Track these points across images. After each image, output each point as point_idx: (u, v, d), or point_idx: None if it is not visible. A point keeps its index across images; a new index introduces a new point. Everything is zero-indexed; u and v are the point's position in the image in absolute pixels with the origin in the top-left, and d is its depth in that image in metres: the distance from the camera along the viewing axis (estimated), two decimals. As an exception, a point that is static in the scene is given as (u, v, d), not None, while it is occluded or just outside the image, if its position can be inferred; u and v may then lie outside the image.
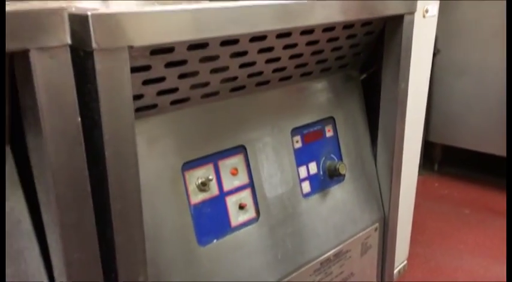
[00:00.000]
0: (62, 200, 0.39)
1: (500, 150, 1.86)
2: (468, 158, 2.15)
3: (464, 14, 1.90)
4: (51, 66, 0.37)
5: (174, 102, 0.53)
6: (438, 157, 2.20)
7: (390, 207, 0.78)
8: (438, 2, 1.41)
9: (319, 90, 0.71)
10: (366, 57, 0.75)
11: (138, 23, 0.41)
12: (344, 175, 0.72)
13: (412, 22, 0.73)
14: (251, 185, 0.61)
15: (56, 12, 0.36)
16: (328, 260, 0.70)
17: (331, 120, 0.72)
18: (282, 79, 0.64)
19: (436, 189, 2.16)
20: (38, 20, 0.36)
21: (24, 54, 0.36)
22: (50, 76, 0.37)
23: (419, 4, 1.39)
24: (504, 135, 1.87)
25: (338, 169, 0.70)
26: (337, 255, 0.71)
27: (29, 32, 0.35)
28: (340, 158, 0.73)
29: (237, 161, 0.60)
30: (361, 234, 0.75)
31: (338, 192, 0.72)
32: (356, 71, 0.76)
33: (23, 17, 0.35)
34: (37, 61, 0.36)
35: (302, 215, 0.67)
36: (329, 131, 0.72)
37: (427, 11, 1.39)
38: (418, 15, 1.36)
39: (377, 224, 0.78)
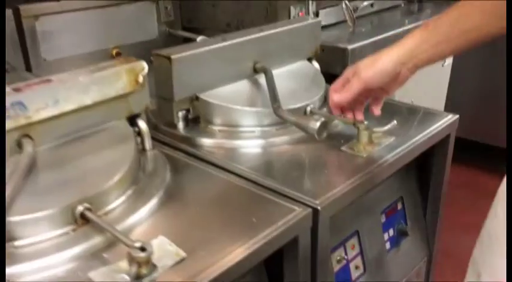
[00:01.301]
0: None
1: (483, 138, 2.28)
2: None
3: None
4: (305, 237, 0.75)
5: (328, 218, 0.91)
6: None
7: (435, 247, 1.19)
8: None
9: (393, 180, 1.09)
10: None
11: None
12: (408, 234, 1.12)
13: (454, 133, 1.10)
14: (361, 252, 1.01)
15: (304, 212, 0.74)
16: (400, 287, 1.12)
17: (400, 198, 1.11)
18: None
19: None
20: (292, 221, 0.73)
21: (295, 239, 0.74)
22: (305, 245, 0.75)
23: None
24: (489, 124, 2.27)
25: (407, 231, 1.10)
26: (404, 283, 1.13)
27: (296, 226, 0.73)
28: (405, 222, 1.13)
29: (354, 240, 1.00)
30: (417, 267, 1.17)
31: (405, 244, 1.13)
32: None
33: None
34: (300, 239, 0.74)
35: (386, 264, 1.07)
36: (399, 206, 1.11)
37: (445, 61, 1.75)
38: (438, 65, 1.73)
39: (425, 258, 1.20)
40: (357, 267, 1.00)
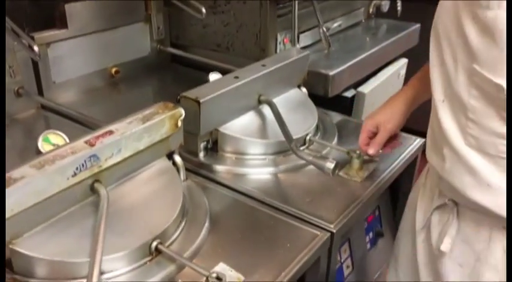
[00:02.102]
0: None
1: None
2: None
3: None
4: (324, 257, 0.96)
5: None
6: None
7: (401, 243, 1.45)
8: (406, 65, 2.02)
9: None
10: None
11: None
12: (383, 235, 1.37)
13: (420, 154, 1.34)
14: (351, 255, 1.24)
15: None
16: (379, 276, 1.37)
17: (377, 207, 1.35)
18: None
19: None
20: (324, 244, 0.94)
21: (318, 259, 0.94)
22: (323, 264, 0.96)
23: (394, 70, 2.00)
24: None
25: (382, 233, 1.34)
26: (380, 275, 1.38)
27: (320, 249, 0.94)
28: (381, 225, 1.37)
29: (346, 246, 1.22)
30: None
31: (380, 243, 1.37)
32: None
33: (320, 244, 0.93)
34: (321, 259, 0.95)
35: (368, 261, 1.32)
36: (377, 213, 1.35)
37: (400, 74, 2.00)
38: (394, 76, 1.97)
39: (394, 252, 1.46)
40: (347, 267, 1.24)
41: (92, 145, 0.89)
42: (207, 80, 1.32)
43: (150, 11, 1.59)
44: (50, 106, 1.39)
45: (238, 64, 1.54)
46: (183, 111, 1.03)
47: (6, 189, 0.77)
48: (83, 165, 0.87)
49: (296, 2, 1.45)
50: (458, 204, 0.91)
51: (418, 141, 1.32)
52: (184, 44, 1.72)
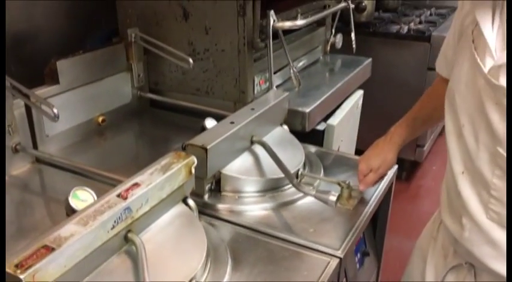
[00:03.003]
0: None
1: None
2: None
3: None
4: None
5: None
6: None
7: (381, 261, 1.60)
8: (362, 96, 2.21)
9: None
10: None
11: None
12: (369, 254, 1.51)
13: (394, 179, 1.51)
14: (345, 275, 1.37)
15: (339, 264, 1.07)
16: (366, 295, 1.50)
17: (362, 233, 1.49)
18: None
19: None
20: (336, 268, 1.06)
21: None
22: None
23: (354, 101, 2.18)
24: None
25: (368, 252, 1.48)
26: (367, 291, 1.52)
27: (332, 274, 1.06)
28: (366, 245, 1.51)
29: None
30: (373, 275, 1.56)
31: (366, 262, 1.51)
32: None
33: (333, 269, 1.05)
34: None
35: (358, 279, 1.45)
36: (361, 234, 1.49)
37: (358, 104, 2.19)
38: (354, 108, 2.15)
39: (376, 268, 1.60)
40: (343, 284, 1.36)
41: (124, 198, 0.96)
42: (186, 123, 1.42)
43: (132, 60, 1.67)
44: (45, 159, 1.43)
45: (216, 106, 1.67)
46: (195, 159, 1.12)
47: (59, 249, 0.83)
48: (119, 217, 0.94)
49: (271, 48, 1.59)
50: (475, 266, 0.95)
51: (393, 168, 1.48)
52: (162, 89, 1.81)
